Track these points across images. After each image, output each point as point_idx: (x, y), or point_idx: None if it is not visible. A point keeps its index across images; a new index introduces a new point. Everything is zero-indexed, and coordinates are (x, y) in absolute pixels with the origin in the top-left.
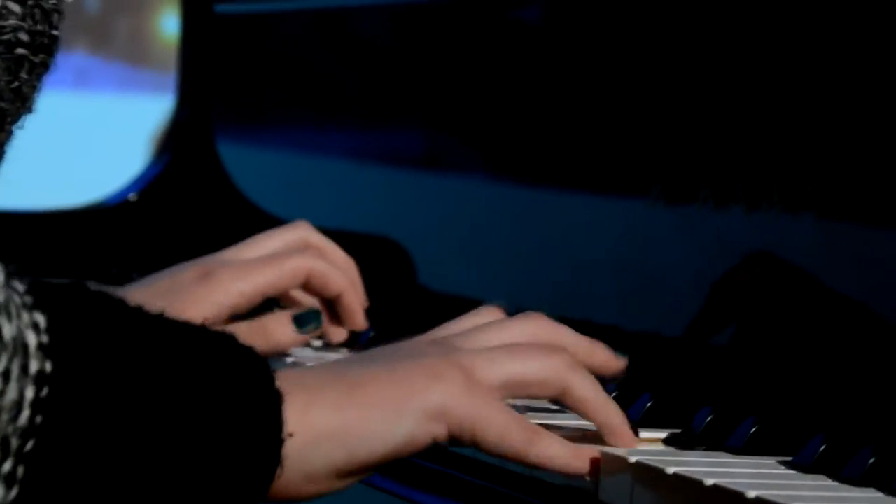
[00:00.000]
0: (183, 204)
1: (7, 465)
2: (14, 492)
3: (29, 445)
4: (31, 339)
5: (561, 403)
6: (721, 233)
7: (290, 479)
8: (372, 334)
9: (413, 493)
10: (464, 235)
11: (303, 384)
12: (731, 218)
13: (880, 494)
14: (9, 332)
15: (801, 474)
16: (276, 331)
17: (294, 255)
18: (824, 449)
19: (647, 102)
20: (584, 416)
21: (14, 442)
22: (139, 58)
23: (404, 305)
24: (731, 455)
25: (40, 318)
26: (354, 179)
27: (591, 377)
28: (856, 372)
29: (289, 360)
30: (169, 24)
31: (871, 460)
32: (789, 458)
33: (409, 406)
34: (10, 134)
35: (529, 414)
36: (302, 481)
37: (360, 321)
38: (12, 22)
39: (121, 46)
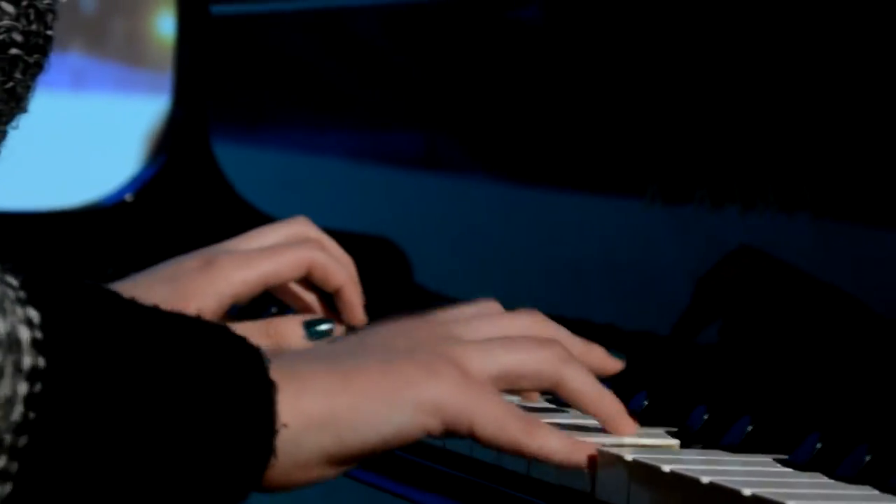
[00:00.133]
0: (179, 204)
1: (0, 462)
2: (7, 488)
3: (22, 441)
4: (25, 335)
5: (557, 397)
6: (717, 232)
7: (281, 467)
8: None
9: (410, 492)
10: (460, 235)
11: (295, 371)
12: (728, 218)
13: (876, 492)
14: (2, 327)
15: (796, 472)
16: (286, 333)
17: (295, 246)
18: (820, 447)
19: (644, 103)
20: (580, 408)
21: (7, 438)
22: (135, 58)
23: (401, 305)
24: (727, 453)
25: (34, 314)
26: (351, 180)
27: (586, 369)
28: (851, 370)
29: None
30: (165, 25)
31: (867, 458)
32: (785, 457)
33: (401, 397)
34: (4, 134)
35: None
36: (292, 468)
37: (359, 315)
38: (6, 22)
39: (117, 47)
